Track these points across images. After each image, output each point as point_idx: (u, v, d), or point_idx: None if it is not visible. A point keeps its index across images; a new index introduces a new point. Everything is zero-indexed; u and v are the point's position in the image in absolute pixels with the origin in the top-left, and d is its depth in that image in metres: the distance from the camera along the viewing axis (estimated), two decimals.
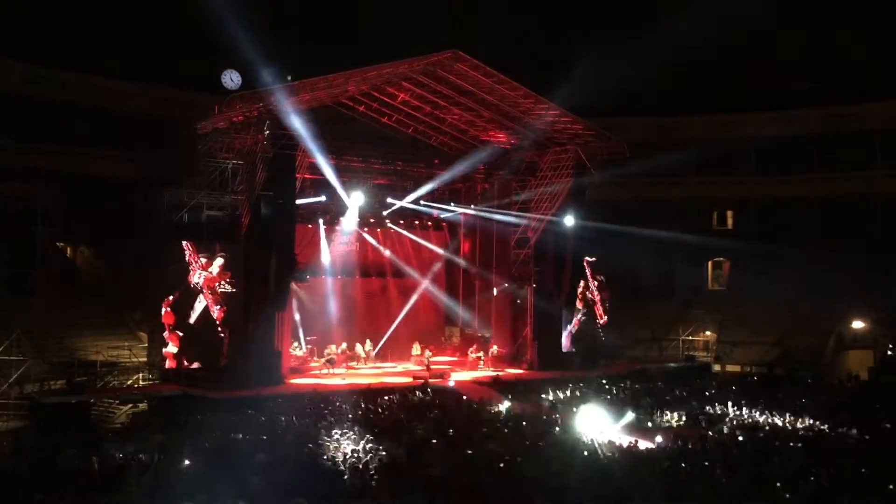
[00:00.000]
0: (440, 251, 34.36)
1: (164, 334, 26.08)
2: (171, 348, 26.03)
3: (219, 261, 26.08)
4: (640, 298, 37.34)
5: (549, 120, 28.77)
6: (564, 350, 31.79)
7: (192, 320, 25.99)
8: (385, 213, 31.86)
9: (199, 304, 25.96)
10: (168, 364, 26.16)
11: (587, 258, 32.38)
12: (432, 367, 29.42)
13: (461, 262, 34.33)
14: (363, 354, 31.17)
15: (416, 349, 31.58)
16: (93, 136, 32.63)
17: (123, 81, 33.94)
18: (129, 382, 26.15)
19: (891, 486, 14.03)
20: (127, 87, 33.87)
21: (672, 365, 32.66)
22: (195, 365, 26.07)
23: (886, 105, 37.22)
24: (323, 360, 29.36)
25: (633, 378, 28.83)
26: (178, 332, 26.02)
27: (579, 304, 32.58)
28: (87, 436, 19.23)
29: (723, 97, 39.72)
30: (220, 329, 25.83)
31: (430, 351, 31.08)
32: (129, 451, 16.73)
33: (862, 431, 19.36)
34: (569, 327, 32.07)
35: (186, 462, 15.66)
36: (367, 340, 31.62)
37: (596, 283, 32.75)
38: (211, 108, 26.75)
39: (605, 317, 32.82)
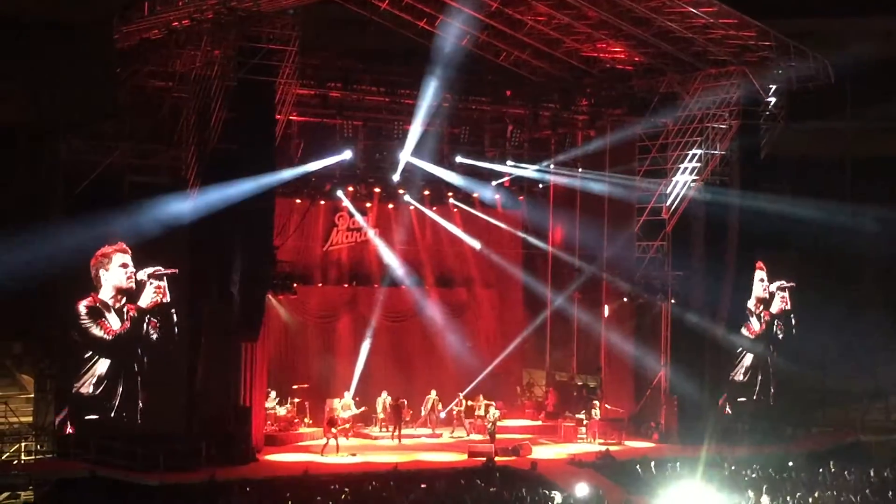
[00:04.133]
0: (516, 239, 34.96)
1: None
2: None
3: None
4: (856, 322, 37.03)
5: (701, 22, 28.70)
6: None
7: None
8: (420, 179, 32.37)
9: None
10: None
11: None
12: (499, 435, 29.62)
13: (550, 257, 34.81)
14: (381, 414, 31.46)
15: (481, 408, 31.58)
16: None
17: None
18: (5, 457, 26.41)
19: None
20: None
21: None
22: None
23: None
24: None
25: (841, 457, 28.79)
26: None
27: (749, 332, 32.80)
28: None
29: None
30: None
31: (498, 409, 31.17)
32: None
33: None
34: None
35: None
36: (434, 392, 32.11)
37: (783, 296, 32.87)
38: (139, 9, 27.12)
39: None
